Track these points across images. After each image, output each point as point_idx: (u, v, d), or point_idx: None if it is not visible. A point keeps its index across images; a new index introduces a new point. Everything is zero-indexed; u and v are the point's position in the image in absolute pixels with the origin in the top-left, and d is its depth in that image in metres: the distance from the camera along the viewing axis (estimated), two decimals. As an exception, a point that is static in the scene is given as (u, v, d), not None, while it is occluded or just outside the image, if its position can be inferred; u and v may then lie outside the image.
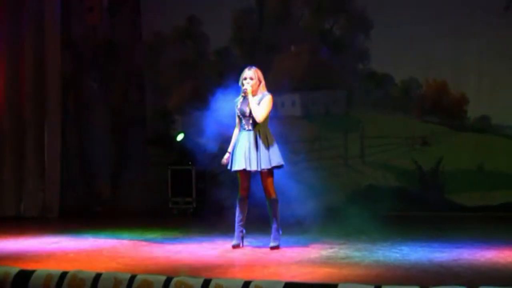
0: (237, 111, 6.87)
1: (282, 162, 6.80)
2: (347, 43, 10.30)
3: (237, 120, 6.94)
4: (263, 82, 6.86)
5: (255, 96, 6.75)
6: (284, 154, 9.48)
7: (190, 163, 10.23)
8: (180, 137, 10.40)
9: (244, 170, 6.75)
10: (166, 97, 10.94)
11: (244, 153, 6.74)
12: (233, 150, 6.85)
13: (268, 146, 6.75)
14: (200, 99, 9.45)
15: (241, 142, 6.82)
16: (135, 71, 11.07)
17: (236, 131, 6.97)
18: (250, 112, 6.75)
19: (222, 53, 10.68)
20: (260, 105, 6.76)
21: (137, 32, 11.02)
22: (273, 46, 10.54)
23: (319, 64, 10.45)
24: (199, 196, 10.31)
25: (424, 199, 9.93)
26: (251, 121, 6.80)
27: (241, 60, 10.32)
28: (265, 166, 6.71)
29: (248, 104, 6.76)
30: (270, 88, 8.24)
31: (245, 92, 6.74)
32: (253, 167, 6.71)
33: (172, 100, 10.82)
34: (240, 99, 6.89)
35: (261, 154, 6.70)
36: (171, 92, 10.90)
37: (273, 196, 6.79)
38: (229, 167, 6.87)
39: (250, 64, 7.01)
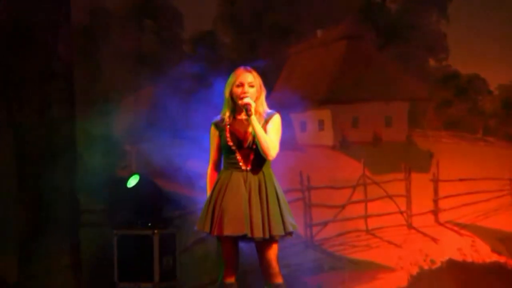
0: (226, 140, 6.43)
1: (296, 226, 6.50)
2: (409, 26, 10.38)
3: (215, 155, 6.58)
4: (264, 92, 6.49)
5: (256, 116, 6.42)
6: (302, 208, 9.94)
7: (149, 224, 9.60)
8: (133, 181, 9.74)
9: (242, 236, 6.31)
10: (110, 114, 10.42)
11: (242, 209, 6.30)
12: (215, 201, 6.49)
13: (278, 199, 6.40)
14: (167, 116, 10.08)
15: (233, 188, 6.39)
16: (59, 71, 10.07)
17: (211, 173, 6.64)
18: (252, 142, 6.33)
19: (203, 41, 10.61)
20: (268, 132, 6.36)
21: (62, 10, 10.13)
22: (287, 30, 10.53)
23: (363, 60, 10.37)
24: (165, 280, 9.64)
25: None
26: (252, 157, 6.36)
27: (233, 51, 10.52)
28: (277, 231, 6.30)
29: (246, 128, 6.38)
30: (281, 100, 8.82)
31: (249, 110, 6.31)
32: (257, 233, 6.26)
33: (120, 118, 10.36)
34: (226, 120, 6.49)
35: (271, 213, 6.34)
36: (118, 105, 10.55)
37: (280, 279, 6.43)
38: (207, 229, 6.36)
39: (246, 60, 6.92)
